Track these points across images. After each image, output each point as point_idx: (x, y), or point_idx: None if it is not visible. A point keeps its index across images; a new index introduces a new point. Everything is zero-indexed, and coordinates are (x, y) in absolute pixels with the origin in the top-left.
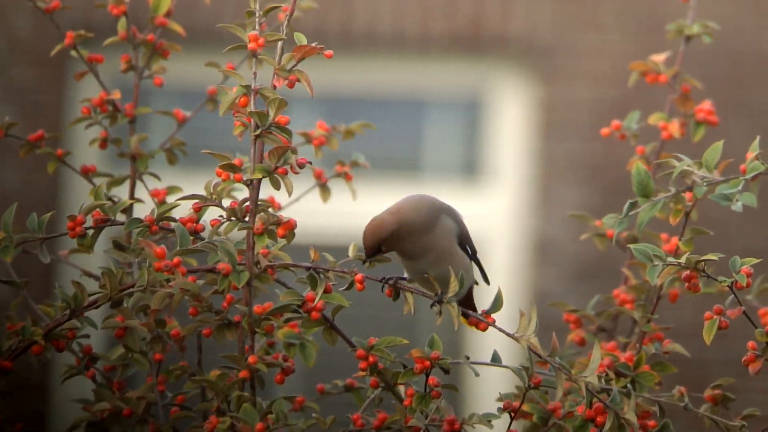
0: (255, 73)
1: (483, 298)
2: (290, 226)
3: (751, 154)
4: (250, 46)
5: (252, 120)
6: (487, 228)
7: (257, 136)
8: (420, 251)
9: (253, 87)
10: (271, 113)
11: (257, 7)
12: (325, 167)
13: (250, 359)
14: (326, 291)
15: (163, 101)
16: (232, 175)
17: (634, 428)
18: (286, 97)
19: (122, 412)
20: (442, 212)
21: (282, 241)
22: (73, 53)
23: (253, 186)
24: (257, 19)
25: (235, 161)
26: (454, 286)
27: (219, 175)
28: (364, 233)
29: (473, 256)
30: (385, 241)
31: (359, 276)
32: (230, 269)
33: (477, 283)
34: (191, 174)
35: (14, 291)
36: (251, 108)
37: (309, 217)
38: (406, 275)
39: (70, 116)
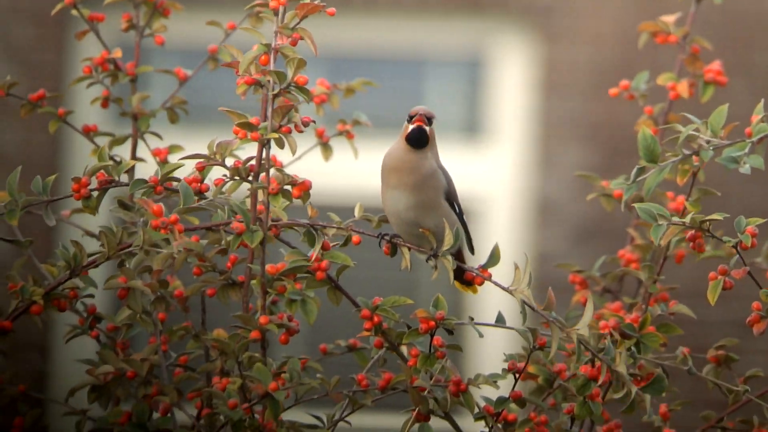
0: (276, 32)
1: (481, 259)
2: (305, 187)
3: (756, 117)
4: (272, 4)
5: (270, 78)
6: (487, 187)
7: (275, 96)
8: (414, 180)
9: (273, 46)
10: (290, 73)
11: None
12: (325, 126)
13: (262, 319)
14: (324, 248)
15: (164, 59)
16: (249, 134)
17: (625, 381)
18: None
19: (126, 374)
20: (439, 163)
21: (284, 201)
22: (74, 12)
23: (266, 146)
24: None
25: (252, 120)
26: (448, 239)
27: (235, 134)
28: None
29: (461, 217)
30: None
31: (356, 237)
32: (244, 228)
33: (472, 251)
34: (192, 132)
35: (18, 250)
36: (270, 66)
37: (309, 176)
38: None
39: (71, 75)
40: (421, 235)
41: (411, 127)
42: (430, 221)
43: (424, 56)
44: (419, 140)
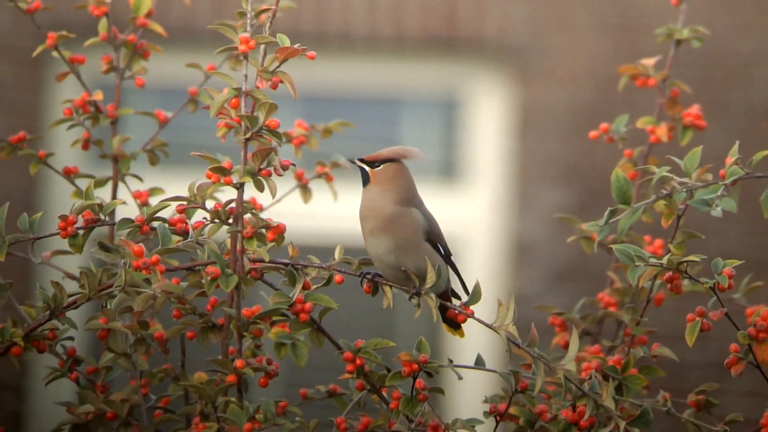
0: (245, 76)
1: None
2: (280, 230)
3: (730, 159)
4: (241, 48)
5: (242, 123)
6: (464, 229)
7: (247, 139)
8: (388, 221)
9: (243, 89)
10: (261, 116)
11: (249, 8)
12: (302, 168)
13: (238, 363)
14: (305, 287)
15: (143, 99)
16: (222, 178)
17: (613, 415)
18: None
19: (106, 414)
20: (416, 202)
21: (259, 244)
22: (55, 54)
23: (241, 189)
24: (249, 20)
25: (225, 164)
26: (431, 277)
27: (209, 178)
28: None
29: (448, 259)
30: (386, 159)
31: (339, 277)
32: (219, 272)
33: (459, 297)
34: (172, 173)
35: None
36: (242, 110)
37: (289, 219)
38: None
39: (48, 115)
40: (405, 276)
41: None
42: (411, 263)
43: (400, 97)
44: (362, 178)
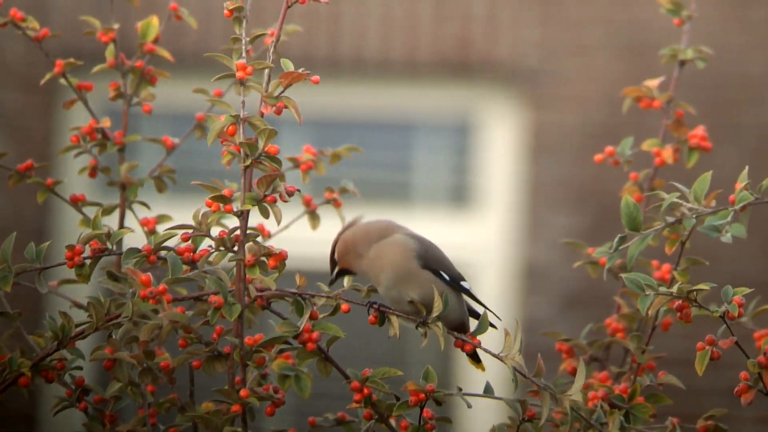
0: (243, 102)
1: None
2: (282, 257)
3: (740, 185)
4: (238, 75)
5: (241, 150)
6: (475, 254)
7: (247, 167)
8: (372, 264)
9: (241, 116)
10: (261, 143)
11: (243, 34)
12: (311, 193)
13: (242, 393)
14: (312, 317)
15: (151, 125)
16: (222, 206)
17: None
18: (272, 121)
19: None
20: (397, 230)
21: (273, 273)
22: (63, 81)
23: (244, 216)
24: (243, 46)
25: (225, 192)
26: (438, 306)
27: (209, 206)
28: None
29: (460, 286)
30: (336, 252)
31: (345, 306)
32: (222, 302)
33: (494, 326)
34: (180, 200)
35: (7, 322)
36: (240, 137)
37: (297, 245)
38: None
39: (57, 142)
40: (412, 307)
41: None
42: (414, 293)
43: (411, 122)
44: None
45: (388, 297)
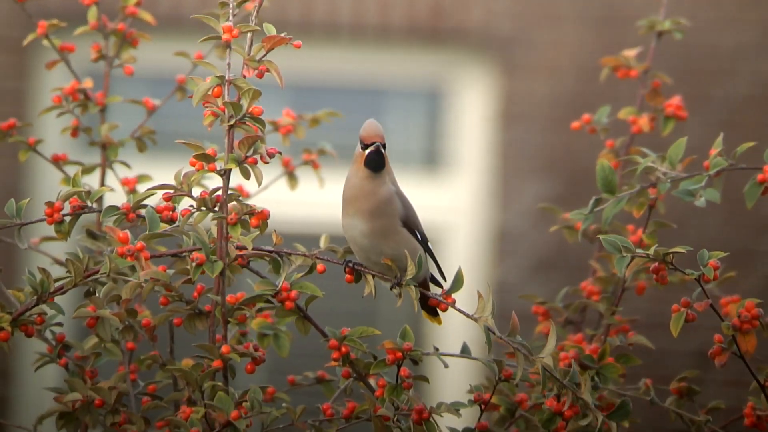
0: (229, 64)
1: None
2: (263, 216)
3: (714, 150)
4: (225, 37)
5: (226, 110)
6: (447, 218)
7: (231, 127)
8: (369, 199)
9: (226, 77)
10: (245, 104)
11: None
12: (290, 156)
13: (224, 349)
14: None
15: (132, 87)
16: (206, 165)
17: (591, 408)
18: (252, 85)
19: (94, 402)
20: (397, 188)
21: (254, 231)
22: (46, 42)
23: (226, 176)
24: (231, 10)
25: (209, 151)
26: (411, 268)
27: (192, 165)
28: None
29: (425, 245)
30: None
31: (321, 266)
32: (204, 259)
33: (439, 284)
34: (160, 160)
35: None
36: (225, 98)
37: (276, 206)
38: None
39: (37, 103)
40: (384, 264)
41: (368, 151)
42: (388, 248)
43: (384, 87)
44: (378, 164)
45: (359, 245)
